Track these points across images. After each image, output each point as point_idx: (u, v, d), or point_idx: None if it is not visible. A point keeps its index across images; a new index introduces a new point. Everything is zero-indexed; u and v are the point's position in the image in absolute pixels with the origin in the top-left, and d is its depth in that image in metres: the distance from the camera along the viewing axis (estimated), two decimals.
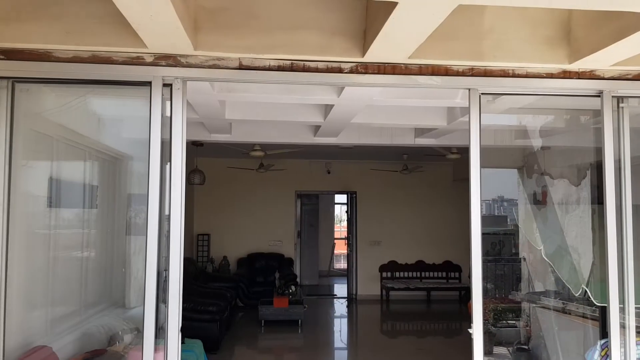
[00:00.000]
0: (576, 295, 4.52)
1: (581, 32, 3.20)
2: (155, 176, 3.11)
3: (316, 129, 6.84)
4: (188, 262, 9.13)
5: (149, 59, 3.10)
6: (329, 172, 11.81)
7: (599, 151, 3.48)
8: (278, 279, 10.23)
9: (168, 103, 3.15)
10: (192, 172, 8.80)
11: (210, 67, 3.16)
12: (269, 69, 3.19)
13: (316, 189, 12.60)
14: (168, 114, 3.15)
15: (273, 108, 5.92)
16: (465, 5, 2.53)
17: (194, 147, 8.06)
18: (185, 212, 3.17)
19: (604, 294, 3.48)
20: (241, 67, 3.18)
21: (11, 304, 3.18)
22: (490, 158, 3.54)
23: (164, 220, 3.14)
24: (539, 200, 5.07)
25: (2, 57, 3.03)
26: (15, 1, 2.96)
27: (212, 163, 10.42)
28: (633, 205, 3.48)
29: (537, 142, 5.06)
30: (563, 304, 5.00)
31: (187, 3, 2.82)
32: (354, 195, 12.23)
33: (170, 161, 3.14)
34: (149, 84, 3.12)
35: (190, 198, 10.71)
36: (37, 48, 3.03)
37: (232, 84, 4.68)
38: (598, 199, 3.64)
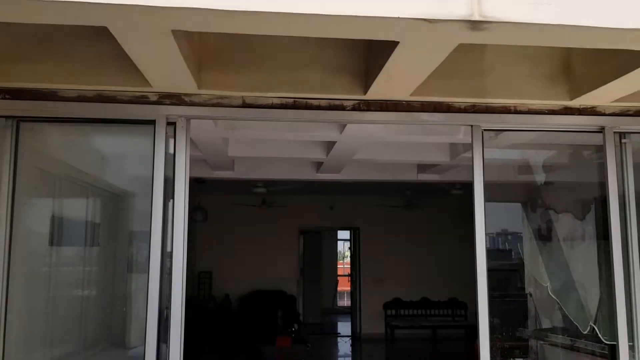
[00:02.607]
0: (584, 332, 4.43)
1: (581, 69, 3.23)
2: (158, 213, 3.10)
3: (319, 165, 6.85)
4: (189, 301, 9.02)
5: (153, 98, 3.13)
6: (331, 208, 11.77)
7: (603, 186, 3.47)
8: (280, 317, 10.08)
9: (172, 141, 3.17)
10: (195, 209, 8.79)
11: (213, 105, 3.19)
12: (272, 106, 3.21)
13: (319, 225, 12.55)
14: (171, 151, 3.17)
15: (276, 145, 5.94)
16: (466, 44, 2.56)
17: (196, 184, 8.07)
18: (187, 249, 3.15)
19: (613, 332, 3.41)
20: (244, 105, 3.20)
21: (10, 343, 3.12)
22: (493, 193, 3.52)
23: (166, 257, 3.12)
24: (544, 235, 5.02)
25: (7, 96, 3.06)
26: (20, 41, 3.01)
27: (215, 200, 10.41)
28: (639, 240, 3.45)
29: (540, 177, 5.05)
30: (571, 341, 4.89)
31: (192, 43, 2.86)
32: (357, 231, 12.17)
33: (173, 198, 3.13)
34: (153, 122, 3.14)
35: (192, 235, 10.65)
36: (41, 87, 3.06)
37: (235, 121, 4.72)
38: (604, 233, 3.61)
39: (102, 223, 4.85)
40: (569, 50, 3.31)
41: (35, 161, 3.56)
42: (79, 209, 4.60)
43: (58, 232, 4.14)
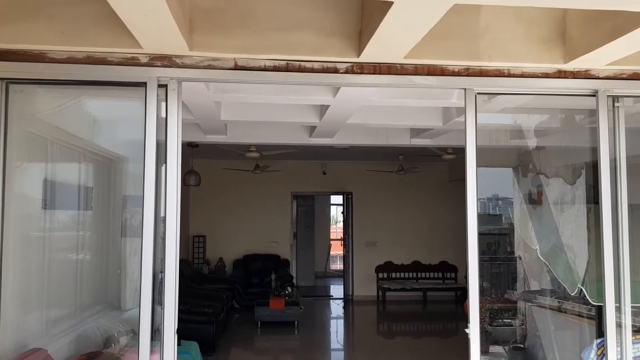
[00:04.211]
0: (572, 294, 4.52)
1: (576, 32, 3.20)
2: (150, 178, 3.09)
3: (312, 129, 6.83)
4: (184, 264, 9.11)
5: (144, 60, 3.09)
6: (324, 173, 11.80)
7: (594, 150, 3.49)
8: (274, 280, 10.21)
9: (163, 104, 3.14)
10: (188, 174, 8.78)
11: (205, 67, 3.15)
12: (265, 69, 3.18)
13: (312, 190, 12.59)
14: (163, 115, 3.14)
15: (268, 109, 5.91)
16: (461, 5, 2.53)
17: (189, 149, 8.04)
18: (181, 214, 3.16)
19: (600, 293, 3.48)
20: (236, 68, 3.17)
21: (6, 306, 3.15)
22: (485, 158, 3.53)
23: (160, 221, 3.13)
24: (534, 199, 5.07)
25: None
26: (9, 1, 2.94)
27: (208, 164, 10.39)
28: (629, 204, 3.49)
29: (532, 142, 5.06)
30: (559, 302, 5.00)
31: (182, 3, 2.81)
32: (350, 196, 12.23)
33: (165, 162, 3.12)
34: (144, 84, 3.11)
35: (186, 199, 10.67)
36: (31, 49, 3.01)
37: (227, 84, 4.67)
38: (594, 198, 3.65)
39: (95, 187, 4.86)
40: (565, 13, 3.28)
41: (26, 124, 3.53)
42: (72, 173, 4.59)
43: (51, 195, 4.14)
